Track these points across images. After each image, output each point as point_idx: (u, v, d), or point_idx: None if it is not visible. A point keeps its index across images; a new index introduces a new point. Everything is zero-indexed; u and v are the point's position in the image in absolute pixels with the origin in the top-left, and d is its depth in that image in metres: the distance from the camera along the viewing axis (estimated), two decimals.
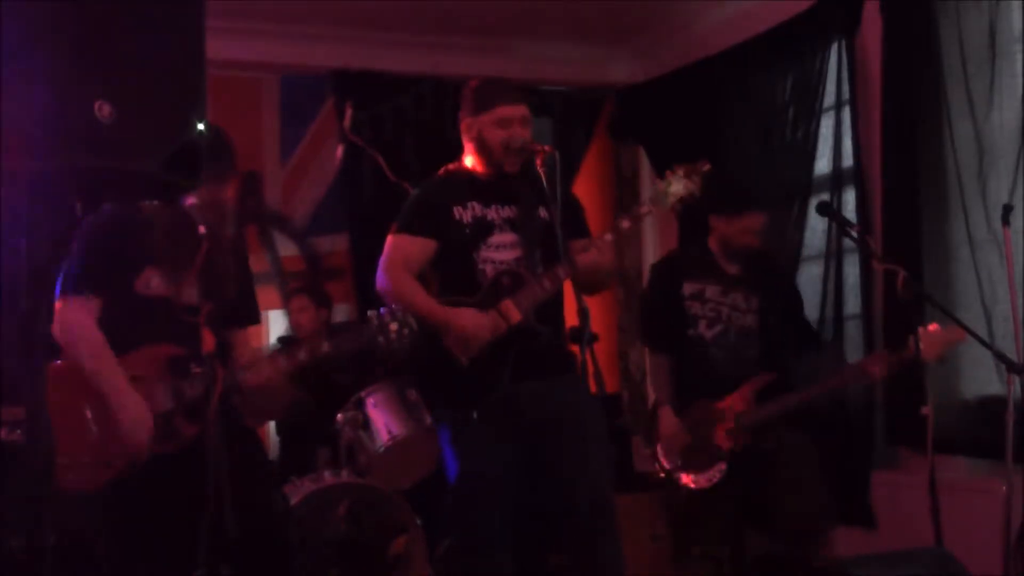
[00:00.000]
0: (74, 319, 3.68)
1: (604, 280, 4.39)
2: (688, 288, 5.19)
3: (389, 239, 4.32)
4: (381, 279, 4.24)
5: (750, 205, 5.20)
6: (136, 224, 3.80)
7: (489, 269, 4.24)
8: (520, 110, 4.27)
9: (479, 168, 4.34)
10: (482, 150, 4.28)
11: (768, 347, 5.19)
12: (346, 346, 3.88)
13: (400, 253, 4.27)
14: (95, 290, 3.75)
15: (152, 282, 3.78)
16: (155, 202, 3.79)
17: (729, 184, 5.34)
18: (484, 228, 4.26)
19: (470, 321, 4.12)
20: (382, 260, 4.28)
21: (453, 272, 4.26)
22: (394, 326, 3.79)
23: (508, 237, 4.27)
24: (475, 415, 4.14)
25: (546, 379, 4.23)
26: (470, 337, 4.10)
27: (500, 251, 4.26)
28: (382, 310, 3.83)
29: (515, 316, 4.14)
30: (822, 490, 5.04)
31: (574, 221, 4.32)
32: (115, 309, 3.78)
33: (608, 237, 4.30)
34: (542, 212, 4.27)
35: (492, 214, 4.29)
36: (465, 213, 4.27)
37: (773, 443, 5.01)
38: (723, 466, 4.98)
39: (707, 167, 4.31)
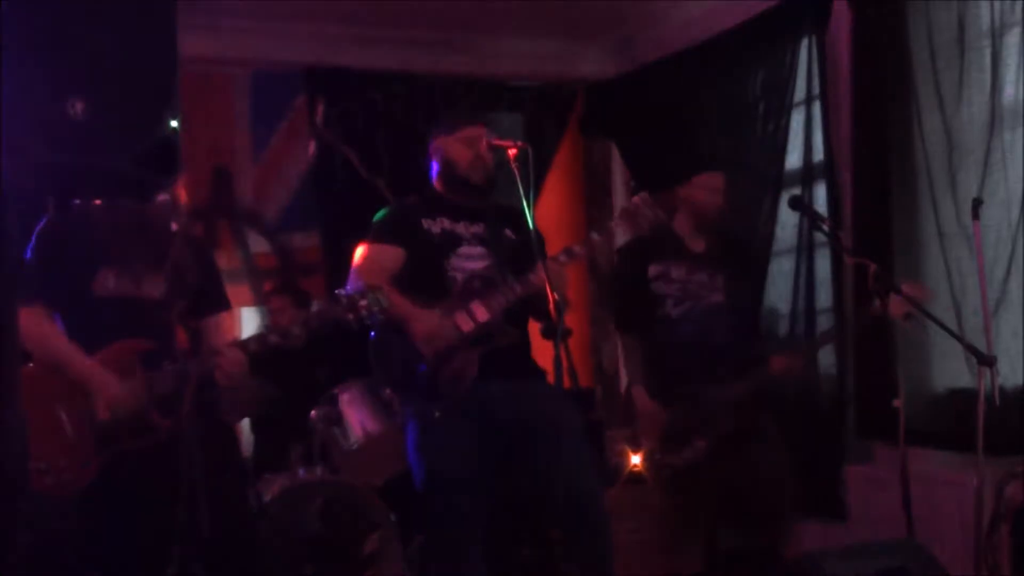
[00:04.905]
0: (28, 323, 3.67)
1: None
2: (653, 270, 5.23)
3: (359, 248, 4.41)
4: (352, 284, 4.29)
5: (707, 165, 5.29)
6: (82, 227, 3.78)
7: (459, 277, 4.35)
8: (480, 130, 4.42)
9: (446, 190, 4.48)
10: (448, 168, 4.43)
11: (735, 324, 5.22)
12: (315, 324, 3.88)
13: (369, 259, 4.37)
14: (44, 300, 3.73)
15: (109, 282, 3.77)
16: (100, 202, 3.78)
17: (680, 153, 5.44)
18: (453, 240, 4.39)
19: (436, 321, 4.21)
20: (353, 267, 4.37)
21: (425, 280, 4.34)
22: (363, 303, 3.80)
23: (477, 250, 4.40)
24: (437, 413, 4.22)
25: (515, 380, 4.29)
26: (435, 335, 4.19)
27: (470, 261, 4.38)
28: (350, 288, 3.86)
29: (482, 315, 4.24)
30: (789, 478, 5.07)
31: (539, 249, 4.36)
32: (79, 314, 3.77)
33: (578, 249, 4.39)
34: (508, 232, 4.43)
35: (461, 229, 4.42)
36: (434, 225, 4.41)
37: (746, 422, 5.04)
38: (702, 443, 4.99)
39: (674, 203, 4.48)
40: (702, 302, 5.19)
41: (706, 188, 5.26)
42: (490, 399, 4.26)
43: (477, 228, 4.43)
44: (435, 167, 4.52)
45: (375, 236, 4.43)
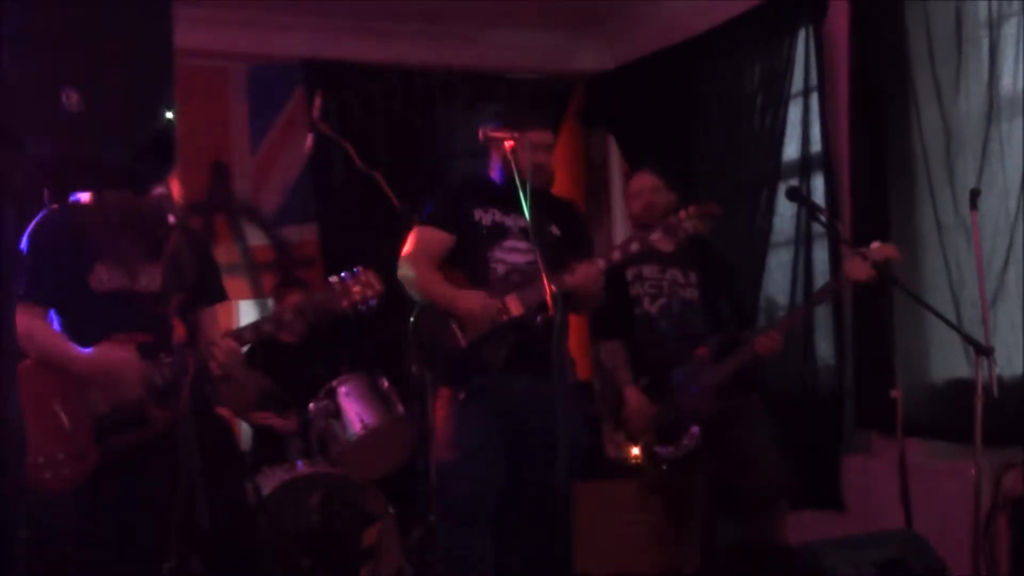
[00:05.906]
0: (21, 321, 3.64)
1: (593, 299, 4.56)
2: (629, 274, 5.28)
3: (414, 230, 4.55)
4: (404, 264, 4.47)
5: (640, 166, 5.42)
6: (78, 221, 3.77)
7: (501, 268, 4.49)
8: (548, 137, 4.64)
9: (501, 179, 4.59)
10: (509, 170, 4.44)
11: (712, 317, 5.23)
12: (309, 311, 3.89)
13: (422, 243, 4.52)
14: (37, 299, 3.72)
15: (105, 277, 3.76)
16: (95, 195, 3.76)
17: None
18: (500, 232, 4.53)
19: (477, 301, 4.34)
20: (406, 248, 4.52)
21: (468, 267, 4.50)
22: (357, 288, 3.81)
23: (523, 244, 4.51)
24: (462, 395, 4.38)
25: (541, 377, 4.30)
26: (476, 316, 4.33)
27: (513, 254, 4.52)
28: (344, 274, 3.88)
29: (517, 309, 4.36)
30: (777, 462, 5.08)
31: (585, 245, 4.69)
32: (75, 308, 3.76)
33: (617, 257, 4.55)
34: (554, 228, 4.57)
35: (510, 221, 4.55)
36: (485, 216, 4.55)
37: (732, 406, 5.05)
38: (696, 430, 4.99)
39: (716, 211, 4.58)
40: (677, 297, 5.24)
41: (631, 195, 5.39)
42: (514, 395, 4.40)
43: (525, 222, 4.45)
44: (496, 161, 4.61)
45: (429, 219, 4.56)
